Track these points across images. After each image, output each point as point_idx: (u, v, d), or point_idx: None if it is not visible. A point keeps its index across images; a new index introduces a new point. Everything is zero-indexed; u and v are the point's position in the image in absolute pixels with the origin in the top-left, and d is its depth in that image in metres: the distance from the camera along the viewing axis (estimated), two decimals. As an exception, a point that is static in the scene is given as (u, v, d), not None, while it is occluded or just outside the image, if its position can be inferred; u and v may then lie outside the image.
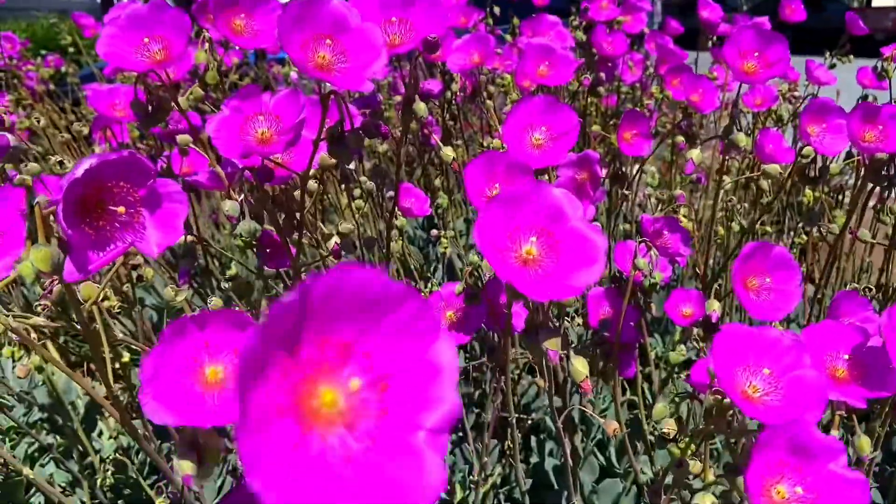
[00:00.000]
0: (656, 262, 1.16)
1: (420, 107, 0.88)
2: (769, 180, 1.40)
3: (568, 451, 1.16)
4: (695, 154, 1.11)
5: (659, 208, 1.38)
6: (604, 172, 1.60)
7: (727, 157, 1.32)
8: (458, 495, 1.84)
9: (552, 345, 0.71)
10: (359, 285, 0.37)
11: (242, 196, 0.84)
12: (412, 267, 1.69)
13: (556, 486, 1.88)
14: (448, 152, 0.94)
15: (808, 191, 1.45)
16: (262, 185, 0.86)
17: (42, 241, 0.53)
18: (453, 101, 1.77)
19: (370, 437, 0.38)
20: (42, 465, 1.78)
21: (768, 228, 1.51)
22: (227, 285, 0.99)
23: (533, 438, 2.01)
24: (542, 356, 0.72)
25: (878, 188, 1.16)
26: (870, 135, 1.08)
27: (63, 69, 2.66)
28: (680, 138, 1.41)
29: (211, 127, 0.83)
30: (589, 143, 1.93)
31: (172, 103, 0.93)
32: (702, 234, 1.29)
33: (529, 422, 1.95)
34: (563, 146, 1.02)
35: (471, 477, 1.70)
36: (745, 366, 0.75)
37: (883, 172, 1.09)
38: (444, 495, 1.86)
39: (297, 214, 0.97)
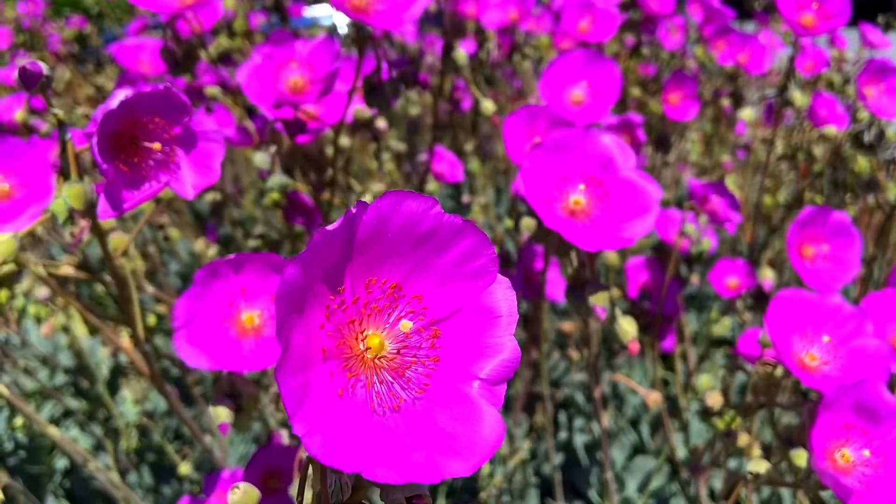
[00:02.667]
0: (703, 228, 1.10)
1: (460, 54, 0.83)
2: (823, 147, 1.33)
3: (605, 424, 1.12)
4: (747, 114, 1.04)
5: (703, 176, 1.32)
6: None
7: (776, 124, 1.25)
8: (486, 469, 1.81)
9: (599, 300, 0.67)
10: (411, 216, 0.33)
11: (274, 149, 0.81)
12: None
13: (584, 463, 1.85)
14: (488, 105, 0.90)
15: (860, 159, 1.38)
16: (293, 138, 0.82)
17: (75, 178, 0.50)
18: (487, 62, 1.70)
19: (420, 386, 0.34)
20: (66, 430, 1.79)
21: (818, 198, 1.44)
22: (253, 243, 0.96)
23: (562, 414, 1.98)
24: (589, 314, 0.68)
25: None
26: (938, 95, 1.00)
27: (86, 30, 2.64)
28: (725, 102, 1.34)
29: (242, 74, 0.79)
30: (626, 109, 1.86)
31: (201, 52, 0.90)
32: (745, 202, 1.23)
33: (559, 397, 1.91)
34: (605, 102, 0.96)
35: (500, 451, 1.67)
36: (803, 333, 0.70)
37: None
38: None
39: (329, 170, 0.94)
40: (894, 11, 2.03)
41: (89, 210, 0.50)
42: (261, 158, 0.81)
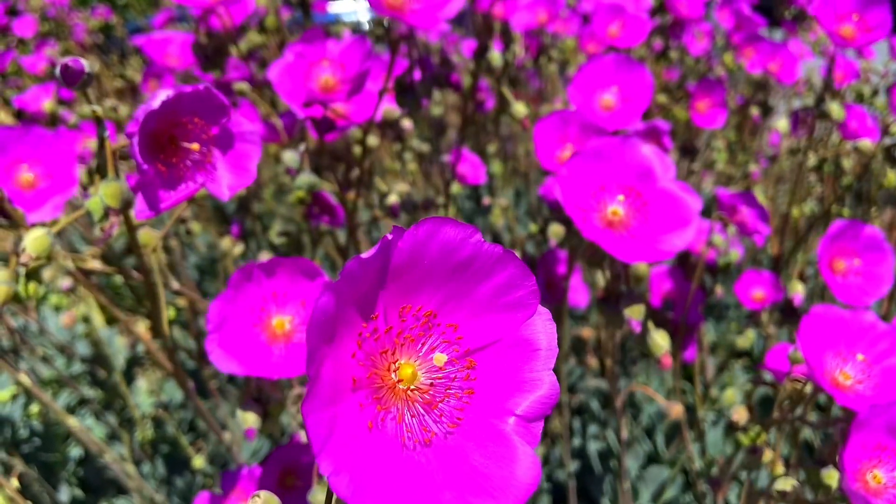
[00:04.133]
0: (731, 239, 1.09)
1: (495, 55, 0.82)
2: (851, 161, 1.31)
3: (624, 435, 1.11)
4: (782, 125, 1.02)
5: (728, 185, 1.30)
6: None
7: (807, 135, 1.23)
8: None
9: (635, 313, 0.66)
10: (449, 244, 0.32)
11: (303, 147, 0.80)
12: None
13: (598, 470, 1.84)
14: (520, 108, 0.89)
15: (891, 174, 1.36)
16: (322, 137, 0.82)
17: (112, 175, 0.50)
18: (513, 64, 1.69)
19: (453, 420, 0.33)
20: (81, 419, 1.80)
21: (845, 211, 1.42)
22: (277, 241, 0.95)
23: (577, 420, 1.97)
24: (622, 325, 0.67)
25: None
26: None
27: (111, 21, 2.66)
28: (754, 111, 1.32)
29: (273, 72, 0.79)
30: (651, 115, 1.84)
31: (231, 47, 0.90)
32: (773, 214, 1.22)
33: (574, 403, 1.90)
34: (637, 108, 0.95)
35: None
36: (836, 351, 0.69)
37: None
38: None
39: (357, 170, 0.93)
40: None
41: (125, 208, 0.50)
42: (290, 157, 0.81)
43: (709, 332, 2.06)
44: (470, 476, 0.32)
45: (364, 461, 0.30)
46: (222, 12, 0.87)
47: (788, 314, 0.92)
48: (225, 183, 0.55)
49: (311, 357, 0.28)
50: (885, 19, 0.93)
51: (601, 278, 0.69)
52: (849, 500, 0.64)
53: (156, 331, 0.75)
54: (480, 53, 0.83)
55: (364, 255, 0.29)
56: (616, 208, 0.65)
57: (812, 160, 1.07)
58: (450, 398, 0.33)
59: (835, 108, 0.93)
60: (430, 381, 0.33)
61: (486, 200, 1.56)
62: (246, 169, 0.55)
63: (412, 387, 0.33)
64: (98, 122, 0.51)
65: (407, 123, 1.22)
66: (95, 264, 0.72)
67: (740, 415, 0.92)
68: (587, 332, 1.42)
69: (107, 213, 0.50)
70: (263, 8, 0.96)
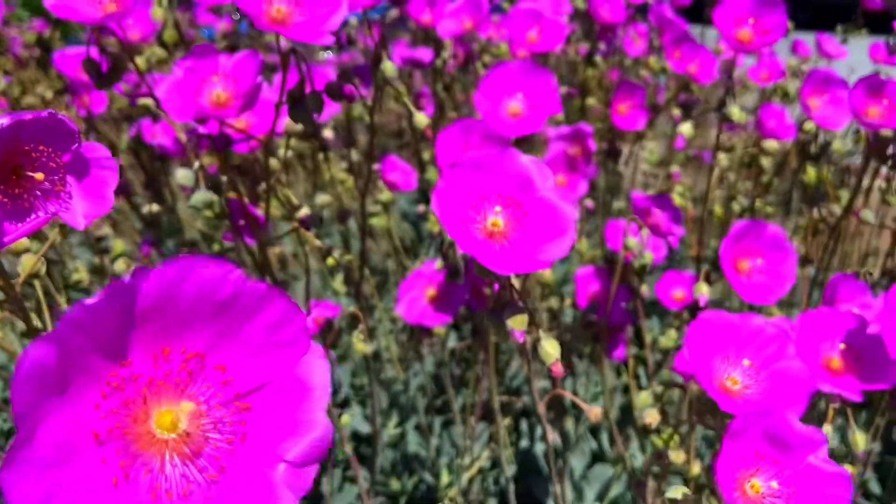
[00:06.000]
0: (647, 241, 1.10)
1: (388, 66, 0.81)
2: (770, 158, 1.34)
3: (549, 438, 1.11)
4: (685, 129, 1.04)
5: (655, 186, 1.31)
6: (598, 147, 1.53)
7: (725, 134, 1.25)
8: (445, 479, 1.80)
9: (517, 324, 0.66)
10: (206, 283, 0.30)
11: (198, 164, 0.79)
12: (398, 244, 1.63)
13: (545, 472, 1.84)
14: (421, 118, 0.88)
15: (810, 170, 1.39)
16: (219, 153, 0.80)
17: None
18: (445, 71, 1.69)
19: (217, 468, 0.31)
20: None
21: (769, 209, 1.44)
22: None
23: (524, 422, 1.97)
24: (508, 336, 0.66)
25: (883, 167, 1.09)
26: (874, 110, 1.00)
27: (45, 35, 2.59)
28: (675, 111, 1.34)
29: (161, 89, 0.77)
30: (588, 116, 1.86)
31: (129, 63, 0.87)
32: (699, 213, 1.23)
33: (519, 405, 1.91)
34: (542, 114, 0.96)
35: (458, 461, 1.66)
36: (725, 356, 0.69)
37: (888, 150, 1.02)
38: (430, 478, 1.82)
39: (263, 183, 0.92)
40: (854, 22, 2.05)
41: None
42: (184, 174, 0.79)
43: (652, 329, 2.09)
44: None
45: None
46: (119, 26, 0.85)
47: (696, 314, 0.93)
48: (80, 211, 0.53)
49: (25, 416, 0.26)
50: (780, 22, 0.94)
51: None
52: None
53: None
54: (375, 65, 0.82)
55: (89, 301, 0.28)
56: (496, 219, 0.64)
57: (724, 160, 1.09)
58: (217, 445, 0.32)
59: (735, 112, 0.95)
60: (195, 428, 0.31)
61: (422, 208, 1.55)
62: (103, 196, 0.53)
63: (174, 435, 0.31)
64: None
65: (328, 133, 1.21)
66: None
67: (652, 417, 0.92)
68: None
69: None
70: (161, 21, 0.94)
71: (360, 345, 1.02)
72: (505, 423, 1.96)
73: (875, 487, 1.73)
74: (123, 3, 0.83)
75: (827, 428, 0.82)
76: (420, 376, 1.85)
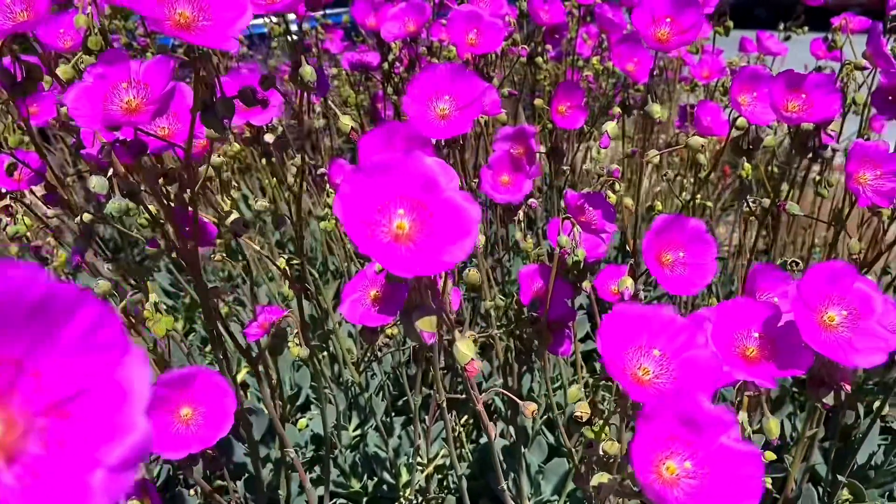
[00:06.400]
0: (580, 238, 1.11)
1: (306, 71, 0.82)
2: (706, 154, 1.36)
3: (491, 435, 1.12)
4: (610, 127, 1.06)
5: (596, 183, 1.33)
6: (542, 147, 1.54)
7: (654, 131, 1.28)
8: (404, 478, 1.81)
9: (426, 325, 0.66)
10: (12, 287, 0.30)
11: (111, 172, 0.78)
12: (348, 248, 1.64)
13: (504, 467, 1.85)
14: (346, 122, 0.89)
15: (746, 165, 1.41)
16: (135, 159, 0.80)
17: None
18: (393, 74, 1.70)
19: (34, 473, 0.31)
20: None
21: (709, 203, 1.47)
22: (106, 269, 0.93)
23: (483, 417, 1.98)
24: (418, 339, 0.67)
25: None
26: (793, 104, 1.03)
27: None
28: (616, 109, 1.36)
29: (70, 96, 0.76)
30: (538, 117, 1.87)
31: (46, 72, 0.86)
32: (638, 209, 1.26)
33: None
34: (469, 116, 0.96)
35: (413, 460, 1.67)
36: (637, 347, 0.71)
37: (808, 144, 1.04)
38: (389, 477, 1.83)
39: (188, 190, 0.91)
40: (795, 19, 2.10)
41: None
42: (98, 182, 0.78)
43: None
44: None
45: None
46: (30, 34, 0.84)
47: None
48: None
49: None
50: (697, 21, 0.96)
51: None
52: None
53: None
54: (294, 70, 0.83)
55: None
56: (401, 222, 0.65)
57: (654, 157, 1.11)
58: (35, 450, 0.32)
59: (656, 109, 0.97)
60: (11, 437, 0.31)
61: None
62: None
63: None
64: None
65: (269, 137, 1.20)
66: None
67: (582, 409, 0.94)
68: (472, 335, 1.43)
69: None
70: (84, 28, 0.93)
71: (296, 349, 1.02)
72: (463, 420, 1.97)
73: (822, 470, 1.77)
74: (35, 13, 0.82)
75: (742, 416, 0.84)
76: (378, 377, 1.86)
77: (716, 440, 0.64)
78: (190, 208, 0.93)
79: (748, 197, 1.13)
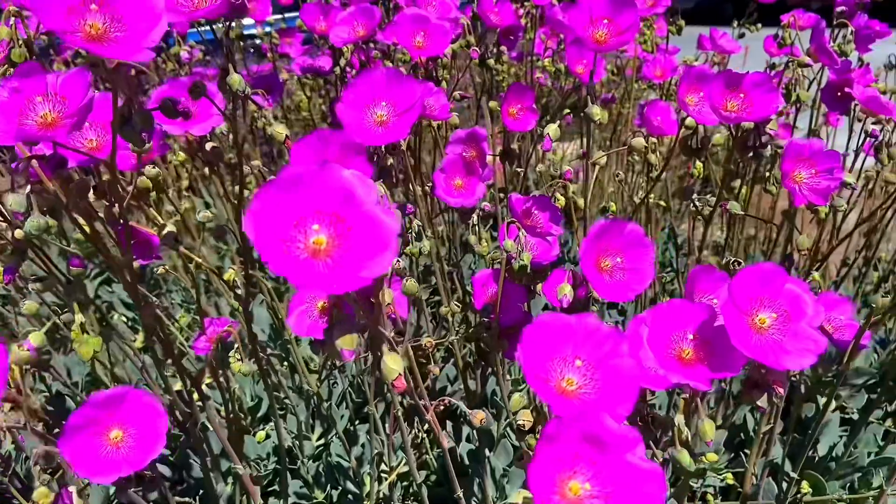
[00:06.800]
0: (525, 242, 1.11)
1: (234, 79, 0.80)
2: (657, 154, 1.36)
3: (445, 445, 1.11)
4: (552, 129, 1.05)
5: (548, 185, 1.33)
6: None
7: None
8: (368, 487, 1.79)
9: (346, 343, 0.65)
10: None
11: (28, 188, 0.76)
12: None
13: (469, 472, 1.85)
14: (279, 130, 0.87)
15: (697, 164, 1.42)
16: (54, 174, 0.77)
17: None
18: (345, 78, 1.68)
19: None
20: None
21: (662, 202, 1.48)
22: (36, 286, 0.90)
23: (449, 423, 1.98)
24: (336, 356, 0.66)
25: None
26: (732, 104, 1.03)
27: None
28: (566, 112, 1.35)
29: (-18, 110, 0.74)
30: (498, 120, 1.87)
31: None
32: (587, 211, 1.26)
33: (442, 407, 1.91)
34: (408, 121, 0.95)
35: (371, 469, 1.65)
36: (562, 358, 0.70)
37: (748, 143, 1.05)
38: (353, 487, 1.81)
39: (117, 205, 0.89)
40: (749, 16, 2.11)
41: None
42: (15, 200, 0.76)
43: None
44: None
45: None
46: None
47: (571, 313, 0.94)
48: None
49: None
50: (634, 21, 0.96)
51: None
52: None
53: None
54: (222, 77, 0.81)
55: None
56: (319, 237, 0.63)
57: (601, 158, 1.10)
58: None
59: (596, 111, 0.96)
60: None
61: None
62: None
63: None
64: None
65: (209, 145, 1.18)
66: None
67: (526, 417, 0.93)
68: (427, 342, 1.42)
69: None
70: (6, 41, 0.91)
71: (237, 364, 1.00)
72: (426, 426, 1.96)
73: (787, 465, 1.79)
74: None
75: (679, 418, 0.84)
76: (339, 386, 1.84)
77: (622, 458, 0.63)
78: (122, 222, 0.91)
79: (693, 196, 1.13)
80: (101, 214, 0.90)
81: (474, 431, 1.79)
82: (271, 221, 0.63)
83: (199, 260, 1.02)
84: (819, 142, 1.03)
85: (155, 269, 1.27)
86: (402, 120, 0.97)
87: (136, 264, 1.14)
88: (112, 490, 1.57)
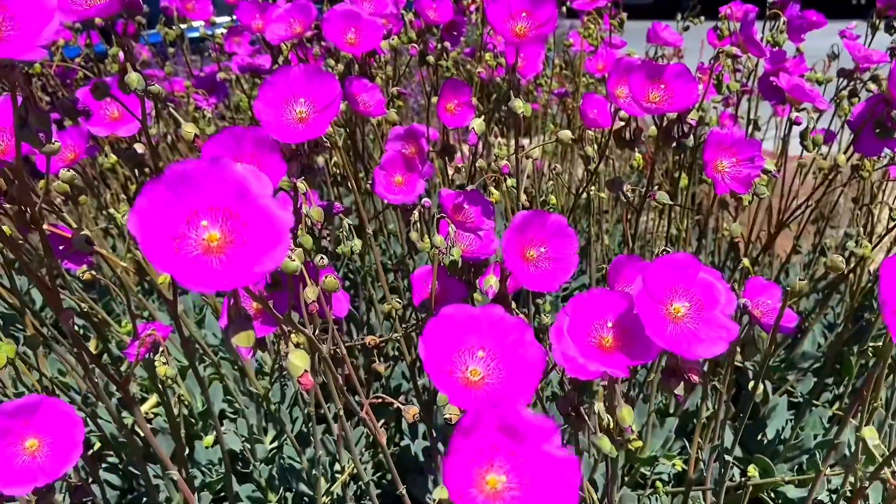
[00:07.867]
0: (455, 238, 1.11)
1: (132, 78, 0.78)
2: (594, 146, 1.37)
3: (382, 441, 1.10)
4: (476, 124, 1.05)
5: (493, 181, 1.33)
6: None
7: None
8: (322, 486, 1.78)
9: (242, 341, 0.64)
10: None
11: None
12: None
13: (423, 469, 1.85)
14: (189, 129, 0.86)
15: (637, 156, 1.43)
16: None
17: None
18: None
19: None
20: None
21: (602, 195, 1.49)
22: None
23: (404, 421, 1.97)
24: (236, 354, 0.65)
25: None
26: (654, 95, 1.04)
27: None
28: (504, 105, 1.35)
29: None
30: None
31: None
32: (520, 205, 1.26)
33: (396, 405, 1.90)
34: (326, 118, 0.94)
35: (322, 470, 1.64)
36: (467, 349, 0.70)
37: (671, 133, 1.06)
38: (306, 488, 1.80)
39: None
40: (692, 9, 2.14)
41: None
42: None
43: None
44: None
45: None
46: None
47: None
48: None
49: None
50: (552, 15, 0.96)
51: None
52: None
53: None
54: (121, 77, 0.79)
55: None
56: (213, 233, 0.62)
57: (533, 150, 1.11)
58: None
59: (518, 105, 0.96)
60: None
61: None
62: None
63: None
64: None
65: (139, 148, 1.16)
66: None
67: (451, 412, 0.93)
68: (371, 340, 1.41)
69: None
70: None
71: (162, 368, 0.98)
72: (380, 424, 1.95)
73: (739, 451, 1.81)
74: None
75: (599, 405, 0.84)
76: (291, 388, 1.82)
77: (538, 449, 0.63)
78: (33, 227, 0.89)
79: (623, 187, 1.14)
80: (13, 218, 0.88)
81: (432, 430, 1.79)
82: (159, 219, 0.62)
83: (123, 264, 1.00)
84: (739, 131, 1.04)
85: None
86: (322, 116, 0.96)
87: (63, 268, 1.11)
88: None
